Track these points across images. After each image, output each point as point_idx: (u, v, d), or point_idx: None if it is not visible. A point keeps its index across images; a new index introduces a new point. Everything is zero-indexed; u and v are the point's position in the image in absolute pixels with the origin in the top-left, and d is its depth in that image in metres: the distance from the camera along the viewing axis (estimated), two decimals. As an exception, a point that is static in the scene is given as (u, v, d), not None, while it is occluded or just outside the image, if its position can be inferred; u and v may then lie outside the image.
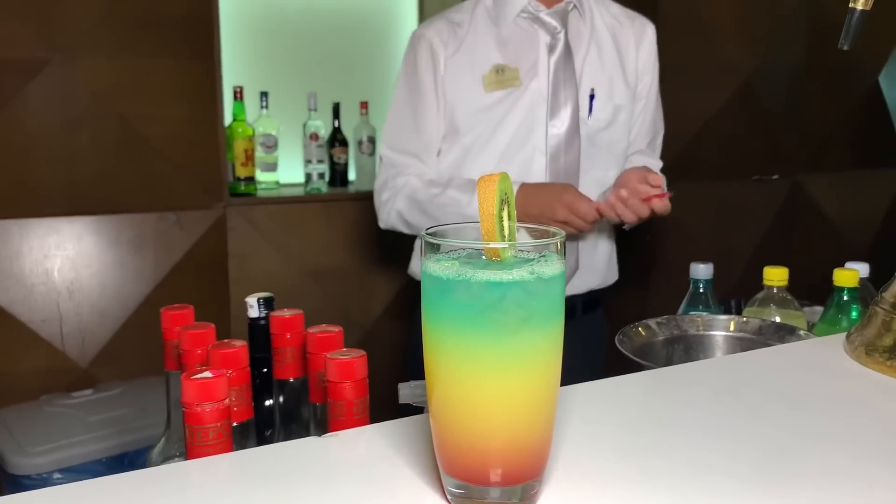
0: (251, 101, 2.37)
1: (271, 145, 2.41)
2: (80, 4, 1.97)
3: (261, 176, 2.39)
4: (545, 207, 1.33)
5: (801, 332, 0.89)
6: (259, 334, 0.79)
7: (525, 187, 1.37)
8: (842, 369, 0.70)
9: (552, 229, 0.45)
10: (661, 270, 2.89)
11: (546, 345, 0.43)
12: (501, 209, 0.45)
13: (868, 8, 0.74)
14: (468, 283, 0.41)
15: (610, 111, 1.48)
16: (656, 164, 1.60)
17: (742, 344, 0.92)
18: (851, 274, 0.99)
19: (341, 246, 2.45)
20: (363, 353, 0.61)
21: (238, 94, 2.29)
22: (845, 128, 3.35)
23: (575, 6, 1.48)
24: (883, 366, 0.68)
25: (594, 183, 1.49)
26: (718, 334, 0.93)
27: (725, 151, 3.10)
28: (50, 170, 2.00)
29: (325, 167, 2.48)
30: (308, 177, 2.44)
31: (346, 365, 0.59)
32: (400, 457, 0.53)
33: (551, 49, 1.44)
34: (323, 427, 0.68)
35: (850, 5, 0.75)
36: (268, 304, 0.81)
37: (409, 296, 2.34)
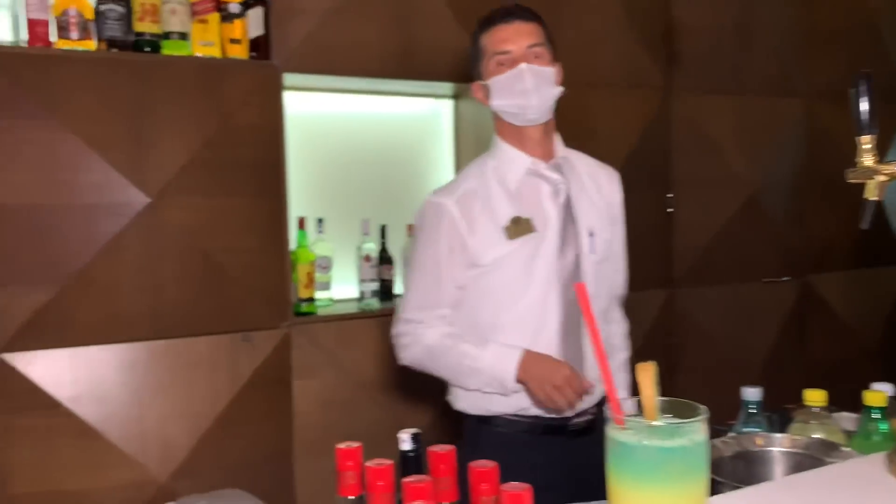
0: (311, 227, 2.62)
1: (326, 266, 2.64)
2: (167, 153, 2.23)
3: (316, 294, 2.61)
4: (547, 373, 1.56)
5: (844, 449, 1.08)
6: (411, 464, 0.99)
7: (531, 352, 1.59)
8: (886, 485, 0.89)
9: (697, 405, 0.65)
10: (684, 370, 3.08)
11: (699, 487, 0.63)
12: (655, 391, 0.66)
13: (881, 199, 0.97)
14: (644, 447, 0.62)
15: (605, 247, 1.71)
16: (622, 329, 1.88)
17: (795, 458, 1.11)
18: (880, 395, 1.19)
19: (391, 358, 2.64)
20: (530, 486, 0.80)
21: (301, 224, 2.53)
22: (847, 229, 3.55)
23: (566, 157, 1.72)
24: (918, 480, 0.87)
25: (598, 312, 1.70)
26: (775, 450, 1.12)
27: (737, 257, 3.35)
28: (138, 299, 2.21)
29: (377, 285, 2.70)
30: (362, 294, 2.67)
31: (517, 496, 0.79)
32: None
33: (555, 197, 1.68)
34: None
35: (864, 196, 0.99)
36: (416, 438, 1.01)
37: (449, 421, 2.50)
